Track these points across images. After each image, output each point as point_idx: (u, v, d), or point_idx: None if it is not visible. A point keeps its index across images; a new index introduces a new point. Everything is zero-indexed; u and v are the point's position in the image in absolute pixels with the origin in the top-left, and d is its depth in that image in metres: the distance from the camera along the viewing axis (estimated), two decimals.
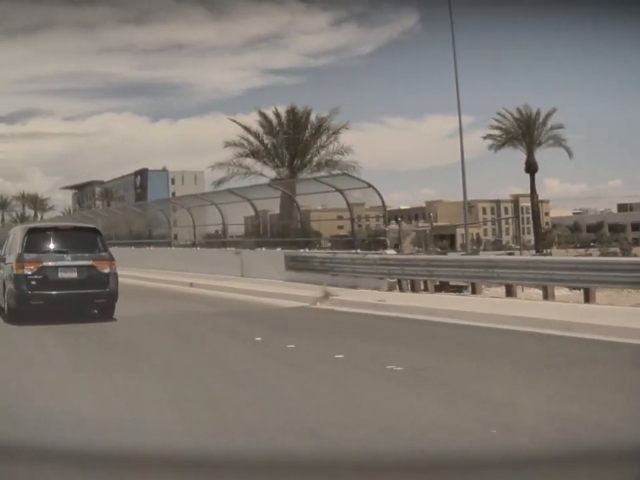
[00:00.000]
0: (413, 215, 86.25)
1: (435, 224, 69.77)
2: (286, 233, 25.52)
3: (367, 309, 13.89)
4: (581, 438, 4.79)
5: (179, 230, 31.96)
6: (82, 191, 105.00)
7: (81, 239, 13.46)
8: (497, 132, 52.07)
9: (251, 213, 24.42)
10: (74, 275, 12.68)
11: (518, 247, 57.18)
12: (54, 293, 12.49)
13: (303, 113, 39.43)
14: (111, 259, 13.18)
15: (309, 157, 38.91)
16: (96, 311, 13.18)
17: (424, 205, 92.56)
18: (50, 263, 12.62)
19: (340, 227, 30.83)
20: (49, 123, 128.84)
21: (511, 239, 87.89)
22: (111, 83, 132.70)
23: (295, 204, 23.71)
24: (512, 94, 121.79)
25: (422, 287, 17.01)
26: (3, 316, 13.11)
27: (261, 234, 25.34)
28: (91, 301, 12.91)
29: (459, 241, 70.17)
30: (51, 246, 13.01)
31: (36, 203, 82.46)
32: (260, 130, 39.38)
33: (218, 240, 27.67)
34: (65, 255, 12.81)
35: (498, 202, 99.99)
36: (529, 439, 4.68)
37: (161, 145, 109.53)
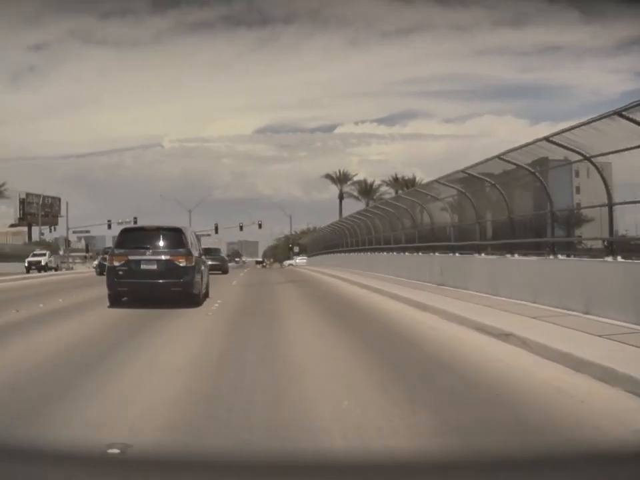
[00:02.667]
0: None
1: None
2: None
3: None
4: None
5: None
6: None
7: (164, 236, 15.82)
8: None
9: None
10: (154, 267, 15.20)
11: None
12: (136, 281, 15.10)
13: None
14: (188, 254, 15.45)
15: None
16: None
17: None
18: (134, 257, 15.26)
19: None
20: (428, 124, 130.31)
21: None
22: (489, 85, 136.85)
23: None
24: None
25: None
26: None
27: None
28: (168, 289, 15.23)
29: None
30: (137, 243, 15.64)
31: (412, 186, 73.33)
32: None
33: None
34: (147, 251, 15.39)
35: None
36: None
37: None
